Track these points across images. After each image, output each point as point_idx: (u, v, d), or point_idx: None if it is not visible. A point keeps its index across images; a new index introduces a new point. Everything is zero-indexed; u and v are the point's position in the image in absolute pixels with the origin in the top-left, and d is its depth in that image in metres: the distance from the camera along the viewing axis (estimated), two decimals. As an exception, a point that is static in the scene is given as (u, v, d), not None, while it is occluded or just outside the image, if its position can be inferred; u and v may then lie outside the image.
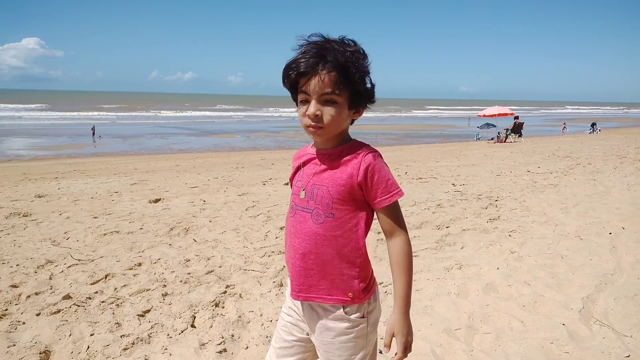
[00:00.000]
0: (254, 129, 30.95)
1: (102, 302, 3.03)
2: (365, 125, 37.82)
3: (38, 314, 2.86)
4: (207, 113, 49.21)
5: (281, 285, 3.33)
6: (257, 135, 26.25)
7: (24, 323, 2.77)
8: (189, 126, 32.86)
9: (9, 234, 4.74)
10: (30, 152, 17.38)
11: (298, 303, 1.41)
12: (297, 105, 1.33)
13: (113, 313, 2.88)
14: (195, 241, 4.43)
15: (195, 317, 2.83)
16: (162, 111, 47.82)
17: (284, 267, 3.65)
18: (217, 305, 3.00)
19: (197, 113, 47.80)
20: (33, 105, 52.62)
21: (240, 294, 3.17)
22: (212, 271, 3.61)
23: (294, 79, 1.27)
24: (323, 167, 1.34)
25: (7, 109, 47.70)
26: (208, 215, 5.48)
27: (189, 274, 3.55)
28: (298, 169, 1.44)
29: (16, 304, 3.01)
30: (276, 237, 4.51)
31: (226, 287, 3.28)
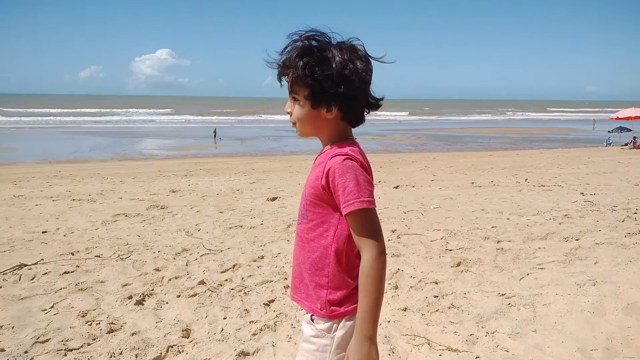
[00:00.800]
0: (358, 132, 31.16)
1: (232, 289, 3.30)
2: (476, 128, 36.09)
3: (178, 296, 3.21)
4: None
5: (397, 287, 3.33)
6: (362, 138, 26.27)
7: (167, 303, 3.12)
8: (298, 129, 34.19)
9: (150, 223, 5.36)
10: (161, 151, 19.44)
11: None
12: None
13: (242, 300, 3.12)
14: (311, 239, 4.61)
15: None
16: (274, 115, 50.35)
17: (399, 269, 3.64)
18: (335, 301, 3.10)
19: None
20: (162, 110, 58.68)
21: (356, 293, 3.24)
22: (328, 269, 3.72)
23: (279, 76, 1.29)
24: (313, 168, 1.32)
25: (142, 113, 53.84)
26: (321, 215, 5.66)
27: (307, 269, 3.70)
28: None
29: (160, 286, 3.41)
30: (389, 240, 4.51)
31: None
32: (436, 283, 3.38)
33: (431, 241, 4.44)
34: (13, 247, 4.39)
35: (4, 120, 37.03)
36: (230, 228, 5.06)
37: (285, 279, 3.51)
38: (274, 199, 6.77)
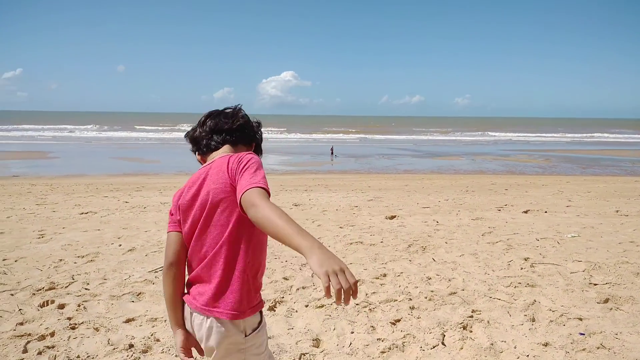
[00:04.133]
0: (479, 152, 29.71)
1: (357, 304, 3.33)
2: (614, 150, 32.23)
3: (306, 306, 3.33)
4: (428, 137, 49.45)
5: (534, 320, 3.07)
6: (482, 159, 25.10)
7: (296, 311, 3.26)
8: (412, 148, 33.69)
9: (276, 234, 5.66)
10: (281, 167, 20.50)
11: None
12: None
13: (367, 316, 3.13)
14: (434, 260, 4.48)
15: (444, 336, 2.85)
16: (390, 135, 50.29)
17: (535, 301, 3.37)
18: (464, 327, 2.96)
19: (422, 137, 48.41)
20: (279, 129, 62.05)
21: (488, 321, 3.06)
22: (455, 293, 3.58)
23: None
24: None
25: (265, 131, 57.44)
26: (443, 237, 5.48)
27: (432, 291, 3.60)
28: None
29: (289, 294, 3.57)
30: (521, 268, 4.20)
31: (472, 312, 3.21)
32: (580, 319, 3.06)
33: (571, 273, 4.03)
34: (162, 248, 4.95)
35: (148, 137, 42.17)
36: (351, 244, 5.13)
37: (410, 299, 3.45)
38: (392, 217, 6.73)
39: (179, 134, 45.82)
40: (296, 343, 2.73)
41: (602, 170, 19.62)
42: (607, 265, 4.21)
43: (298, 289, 3.65)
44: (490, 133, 54.62)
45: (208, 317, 1.39)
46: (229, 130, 1.60)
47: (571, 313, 3.16)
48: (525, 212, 7.28)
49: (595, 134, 52.26)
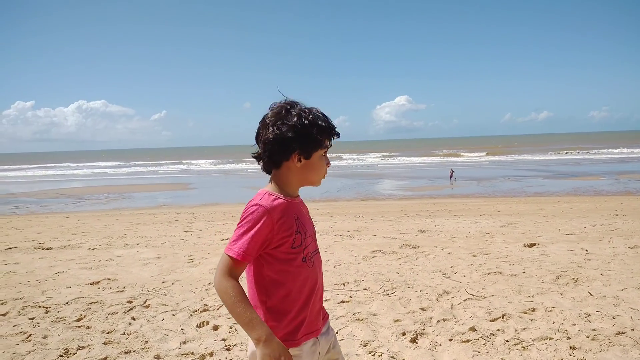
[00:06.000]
0: (623, 170, 26.27)
1: (506, 341, 3.09)
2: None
3: (451, 340, 3.18)
4: (559, 156, 45.03)
5: None
6: (628, 178, 22.13)
7: (440, 345, 3.12)
8: (541, 168, 31.02)
9: (406, 262, 5.56)
10: (399, 192, 20.27)
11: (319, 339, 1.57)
12: (297, 154, 1.45)
13: (521, 355, 2.88)
14: (591, 294, 4.00)
15: (620, 384, 2.50)
16: (515, 155, 47.00)
17: None
18: (644, 376, 2.57)
19: (552, 157, 44.24)
20: (389, 153, 61.47)
21: (673, 370, 2.62)
22: (623, 332, 3.14)
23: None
24: (305, 211, 1.58)
25: (375, 156, 57.38)
26: (597, 267, 4.88)
27: (594, 330, 3.21)
28: (296, 218, 1.49)
29: (430, 326, 3.45)
30: None
31: (650, 357, 2.78)
32: None
33: None
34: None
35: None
36: (489, 274, 4.82)
37: (569, 338, 3.10)
38: (531, 245, 6.20)
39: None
40: (446, 379, 2.61)
41: None
42: None
43: (439, 321, 3.51)
44: (635, 150, 47.89)
45: None
46: (263, 144, 1.47)
47: None
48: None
49: None
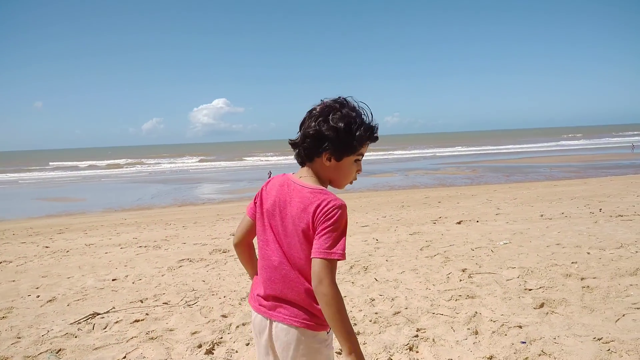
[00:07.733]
0: (411, 167, 30.79)
1: (300, 336, 3.18)
2: (533, 157, 34.68)
3: (247, 344, 3.13)
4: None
5: (477, 332, 3.08)
6: (415, 174, 26.01)
7: (236, 352, 3.05)
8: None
9: (214, 268, 5.40)
10: (218, 195, 19.98)
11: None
12: (324, 155, 1.44)
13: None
14: (376, 280, 4.44)
15: (391, 360, 2.77)
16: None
17: (476, 313, 3.39)
18: (411, 349, 2.91)
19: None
20: (212, 157, 60.82)
21: (433, 339, 3.03)
22: (399, 312, 3.54)
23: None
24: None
25: (194, 160, 56.08)
26: (384, 254, 5.48)
27: (376, 313, 3.54)
28: None
29: (228, 333, 3.35)
30: (460, 280, 4.26)
31: (417, 331, 3.17)
32: (520, 327, 3.11)
33: (507, 280, 4.14)
34: (86, 295, 4.53)
35: (74, 175, 39.74)
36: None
37: (355, 324, 3.35)
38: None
39: (101, 171, 43.58)
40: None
41: (524, 176, 20.97)
42: (538, 269, 4.37)
43: (238, 327, 3.44)
44: (420, 150, 56.78)
45: None
46: (304, 136, 1.46)
47: (511, 322, 3.20)
48: (459, 222, 7.52)
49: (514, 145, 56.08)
